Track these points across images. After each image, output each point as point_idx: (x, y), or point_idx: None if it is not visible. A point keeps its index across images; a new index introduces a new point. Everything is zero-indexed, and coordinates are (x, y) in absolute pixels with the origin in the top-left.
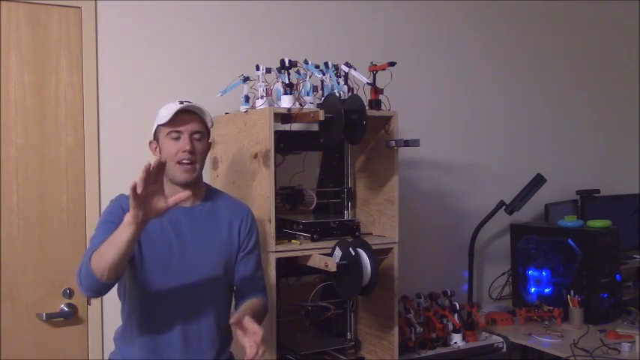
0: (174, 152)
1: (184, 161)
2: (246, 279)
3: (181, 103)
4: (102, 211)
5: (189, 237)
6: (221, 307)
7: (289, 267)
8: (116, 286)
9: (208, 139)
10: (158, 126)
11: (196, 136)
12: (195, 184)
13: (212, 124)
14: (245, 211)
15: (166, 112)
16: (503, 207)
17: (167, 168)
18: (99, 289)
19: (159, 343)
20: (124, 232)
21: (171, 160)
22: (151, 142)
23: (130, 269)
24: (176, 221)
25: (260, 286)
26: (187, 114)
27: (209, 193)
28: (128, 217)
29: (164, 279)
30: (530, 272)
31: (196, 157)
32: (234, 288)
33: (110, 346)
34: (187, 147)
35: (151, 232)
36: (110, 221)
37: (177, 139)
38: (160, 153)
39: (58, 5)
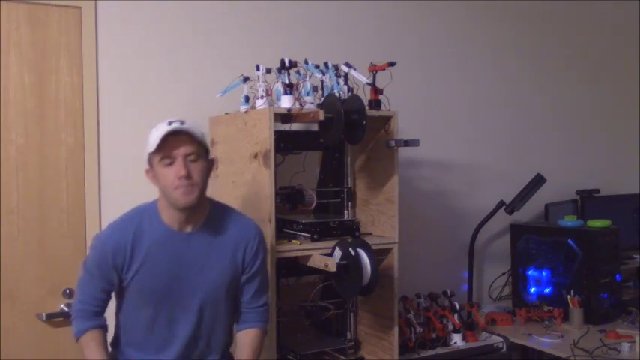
0: (170, 179)
1: (182, 187)
2: (248, 300)
3: (170, 124)
4: (89, 248)
5: (189, 264)
6: (223, 321)
7: (289, 267)
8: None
9: (208, 157)
10: (149, 154)
11: (191, 157)
12: (196, 208)
13: (209, 141)
14: (252, 233)
15: (154, 139)
16: (503, 207)
17: (166, 194)
18: None
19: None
20: None
21: (169, 187)
22: (147, 171)
23: (124, 295)
24: (176, 249)
25: (260, 310)
26: (176, 136)
27: (213, 214)
28: None
29: (162, 305)
30: (530, 272)
31: (194, 181)
32: (236, 306)
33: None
34: (182, 172)
35: (148, 261)
36: (92, 274)
37: (171, 164)
38: (157, 180)
39: (58, 5)
